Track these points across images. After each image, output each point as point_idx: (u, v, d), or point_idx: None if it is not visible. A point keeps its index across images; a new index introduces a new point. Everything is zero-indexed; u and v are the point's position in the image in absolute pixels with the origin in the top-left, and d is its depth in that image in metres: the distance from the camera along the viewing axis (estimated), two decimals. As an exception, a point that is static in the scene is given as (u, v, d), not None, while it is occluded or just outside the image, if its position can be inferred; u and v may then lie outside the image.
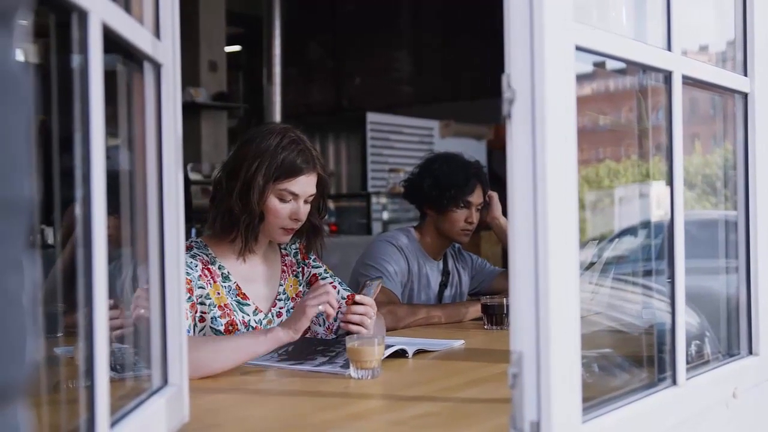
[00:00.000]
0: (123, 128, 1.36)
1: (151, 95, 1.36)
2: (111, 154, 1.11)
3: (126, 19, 1.16)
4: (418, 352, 2.17)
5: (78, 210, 1.01)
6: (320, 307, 1.97)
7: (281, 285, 2.35)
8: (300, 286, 2.39)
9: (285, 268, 2.38)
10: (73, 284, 1.04)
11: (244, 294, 2.24)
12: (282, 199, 2.19)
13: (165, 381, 1.37)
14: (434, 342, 2.29)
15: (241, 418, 1.60)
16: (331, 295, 2.00)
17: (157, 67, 1.35)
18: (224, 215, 2.20)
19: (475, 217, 3.02)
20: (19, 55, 0.57)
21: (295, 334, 1.97)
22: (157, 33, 1.35)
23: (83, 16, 1.00)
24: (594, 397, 1.33)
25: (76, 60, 1.02)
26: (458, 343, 2.35)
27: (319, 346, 2.13)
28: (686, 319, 1.55)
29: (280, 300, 2.33)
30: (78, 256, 1.03)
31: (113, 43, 1.12)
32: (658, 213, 1.92)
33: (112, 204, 1.10)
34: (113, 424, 1.09)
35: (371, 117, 8.10)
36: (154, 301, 1.37)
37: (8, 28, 0.55)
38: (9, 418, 0.55)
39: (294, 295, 2.36)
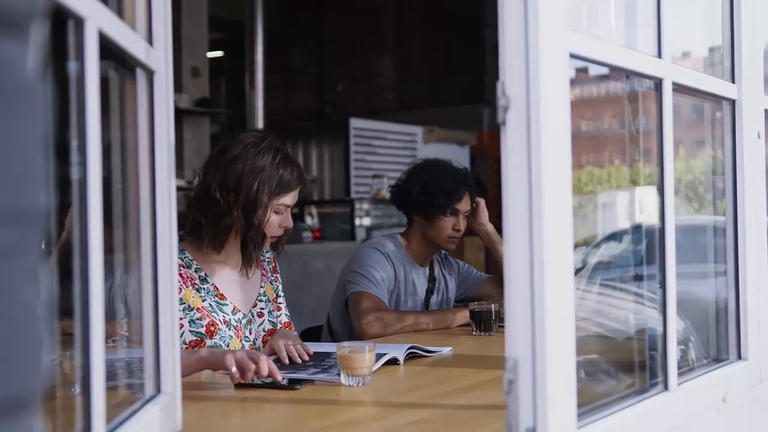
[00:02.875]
0: (115, 135, 1.35)
1: (144, 102, 1.35)
2: (102, 161, 1.10)
3: (121, 26, 1.16)
4: (410, 357, 2.17)
5: (74, 217, 1.00)
6: (233, 369, 1.83)
7: (262, 287, 2.42)
8: (274, 292, 2.48)
9: (264, 271, 2.46)
10: (61, 291, 1.03)
11: (222, 294, 2.29)
12: (277, 213, 2.29)
13: (158, 389, 1.36)
14: (424, 346, 2.29)
15: (234, 426, 1.59)
16: (258, 368, 1.85)
17: (150, 74, 1.35)
18: (224, 231, 2.25)
19: (463, 224, 3.02)
20: (35, 64, 0.57)
21: (211, 363, 1.92)
22: (149, 40, 1.35)
23: (80, 23, 0.99)
24: (588, 403, 1.33)
25: (71, 66, 1.02)
26: (447, 350, 2.35)
27: (310, 361, 2.12)
28: (675, 325, 1.56)
29: (261, 301, 2.41)
30: (66, 262, 1.02)
31: (106, 49, 1.12)
32: (643, 218, 1.94)
33: (103, 211, 1.09)
34: (109, 433, 1.08)
35: (354, 123, 8.09)
36: (147, 310, 1.36)
37: (23, 37, 0.55)
38: (26, 429, 0.55)
39: (272, 299, 2.45)
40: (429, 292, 3.13)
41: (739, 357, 1.83)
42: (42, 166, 0.57)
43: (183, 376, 1.86)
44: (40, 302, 0.56)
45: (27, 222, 0.55)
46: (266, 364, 1.83)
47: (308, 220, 7.56)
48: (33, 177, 0.55)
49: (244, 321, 2.32)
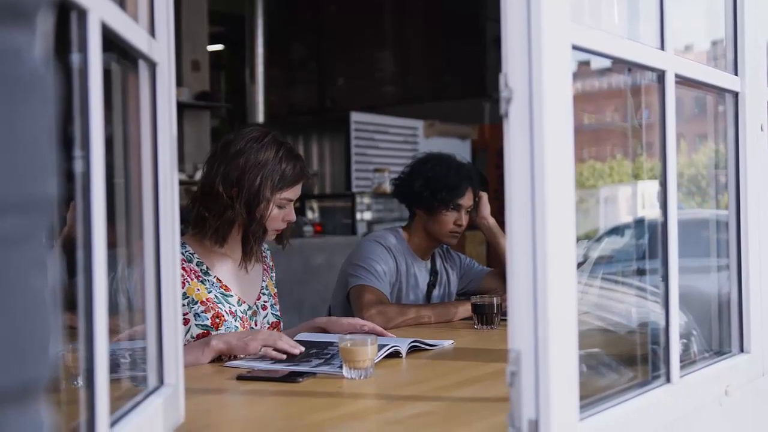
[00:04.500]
0: (117, 128, 1.35)
1: (146, 94, 1.35)
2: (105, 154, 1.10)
3: (123, 17, 1.16)
4: (412, 351, 2.17)
5: (78, 210, 1.00)
6: (262, 350, 2.06)
7: (264, 281, 2.45)
8: (274, 288, 2.51)
9: (265, 266, 2.49)
10: (64, 284, 1.03)
11: (226, 286, 2.31)
12: (280, 207, 2.31)
13: (161, 381, 1.36)
14: (426, 340, 2.29)
15: (236, 418, 1.59)
16: (280, 342, 2.08)
17: (152, 66, 1.34)
18: (226, 225, 2.27)
19: (465, 219, 3.02)
20: (42, 53, 0.57)
21: (227, 348, 2.07)
22: (152, 32, 1.35)
23: (83, 14, 0.99)
24: (590, 396, 1.33)
25: (74, 58, 1.01)
26: (448, 343, 2.35)
27: (312, 349, 2.12)
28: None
29: (264, 294, 2.43)
30: (71, 256, 1.02)
31: (109, 41, 1.11)
32: (645, 212, 1.94)
33: (105, 205, 1.09)
34: (112, 424, 1.08)
35: (355, 117, 8.08)
36: (150, 302, 1.36)
37: (31, 26, 0.55)
38: (34, 416, 0.55)
39: (273, 294, 2.48)
40: (431, 285, 3.13)
41: (742, 350, 1.83)
42: (50, 155, 0.57)
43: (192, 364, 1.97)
44: (48, 290, 0.56)
45: (35, 211, 0.55)
46: (288, 341, 2.07)
47: (309, 215, 7.57)
48: (41, 166, 0.56)
49: (249, 312, 2.35)
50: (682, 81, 1.61)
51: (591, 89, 1.79)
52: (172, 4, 1.40)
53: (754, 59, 1.84)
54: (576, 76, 1.51)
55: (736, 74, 1.83)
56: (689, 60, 1.68)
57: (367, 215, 7.55)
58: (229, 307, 2.28)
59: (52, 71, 0.59)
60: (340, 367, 1.90)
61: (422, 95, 9.57)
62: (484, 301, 2.68)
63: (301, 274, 5.65)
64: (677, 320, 1.54)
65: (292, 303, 5.34)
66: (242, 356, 2.08)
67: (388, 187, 7.12)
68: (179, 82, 7.42)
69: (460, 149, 7.80)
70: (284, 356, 2.03)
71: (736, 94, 1.83)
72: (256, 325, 2.36)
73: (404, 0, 9.96)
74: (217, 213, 2.25)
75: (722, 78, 1.80)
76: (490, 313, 2.64)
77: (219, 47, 10.39)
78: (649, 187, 1.75)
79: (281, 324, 2.48)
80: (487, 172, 7.72)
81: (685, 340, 1.81)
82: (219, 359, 2.09)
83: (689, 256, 1.93)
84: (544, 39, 1.17)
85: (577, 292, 1.93)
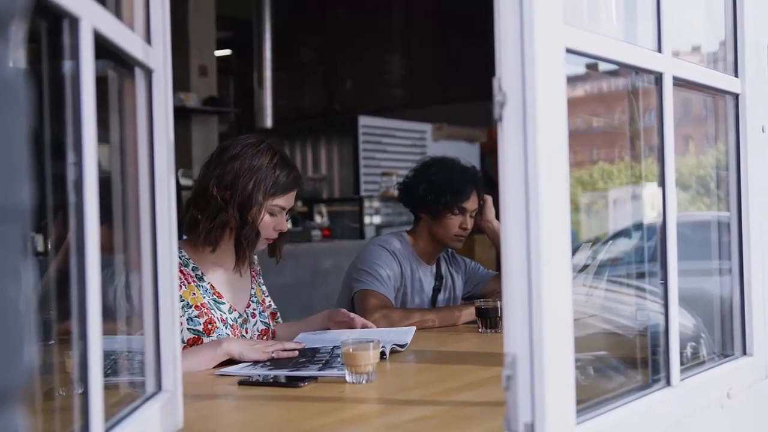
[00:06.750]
0: (114, 134, 1.36)
1: (143, 101, 1.36)
2: (101, 160, 1.10)
3: (117, 25, 1.16)
4: (393, 352, 2.20)
5: (71, 217, 1.01)
6: (274, 354, 2.12)
7: (252, 288, 2.47)
8: (262, 294, 2.52)
9: (254, 274, 2.51)
10: (65, 292, 1.04)
11: (219, 293, 2.33)
12: (271, 214, 2.33)
13: (159, 387, 1.37)
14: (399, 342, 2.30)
15: (235, 424, 1.59)
16: (287, 344, 2.20)
17: (148, 73, 1.35)
18: (219, 228, 2.29)
19: (470, 223, 3.01)
20: (16, 62, 0.57)
21: (238, 352, 2.09)
22: (148, 39, 1.35)
23: (74, 22, 1.00)
24: (588, 399, 1.33)
25: (67, 66, 1.02)
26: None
27: (301, 358, 2.12)
28: (681, 321, 1.56)
29: (253, 302, 2.45)
30: (70, 263, 1.03)
31: (104, 48, 1.12)
32: (651, 215, 1.93)
33: (103, 212, 1.09)
34: (108, 430, 1.09)
35: (363, 120, 8.09)
36: (148, 308, 1.36)
37: (4, 35, 0.55)
38: (7, 423, 0.55)
39: (260, 301, 2.49)
40: (436, 289, 3.12)
41: (744, 353, 1.82)
42: (25, 162, 0.57)
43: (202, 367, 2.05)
44: (23, 298, 0.57)
45: (9, 218, 0.55)
46: (288, 345, 2.18)
47: (317, 219, 7.57)
48: (15, 174, 0.56)
49: (239, 320, 2.37)
50: (681, 83, 1.60)
51: (600, 91, 1.79)
52: (169, 12, 1.40)
53: (754, 60, 1.84)
54: (584, 78, 1.51)
55: (736, 76, 1.82)
56: (688, 62, 1.67)
57: (376, 219, 7.56)
58: (221, 315, 2.30)
59: (26, 80, 0.59)
60: (342, 369, 1.89)
61: (430, 98, 9.57)
62: (488, 304, 2.67)
63: (310, 278, 5.65)
64: (677, 323, 1.53)
65: (300, 307, 5.34)
66: (245, 362, 2.08)
67: (396, 191, 7.12)
68: (186, 87, 7.43)
69: (468, 152, 7.80)
70: (296, 353, 2.14)
71: (736, 96, 1.82)
72: (246, 333, 2.37)
73: (411, 3, 9.96)
74: (210, 215, 2.27)
75: (722, 80, 1.79)
76: (494, 317, 2.63)
77: (226, 52, 10.40)
78: (656, 189, 1.75)
79: (269, 331, 2.48)
80: (495, 175, 7.70)
81: (694, 343, 1.81)
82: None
83: (697, 258, 1.92)
84: (536, 42, 1.17)
85: (582, 295, 1.93)
